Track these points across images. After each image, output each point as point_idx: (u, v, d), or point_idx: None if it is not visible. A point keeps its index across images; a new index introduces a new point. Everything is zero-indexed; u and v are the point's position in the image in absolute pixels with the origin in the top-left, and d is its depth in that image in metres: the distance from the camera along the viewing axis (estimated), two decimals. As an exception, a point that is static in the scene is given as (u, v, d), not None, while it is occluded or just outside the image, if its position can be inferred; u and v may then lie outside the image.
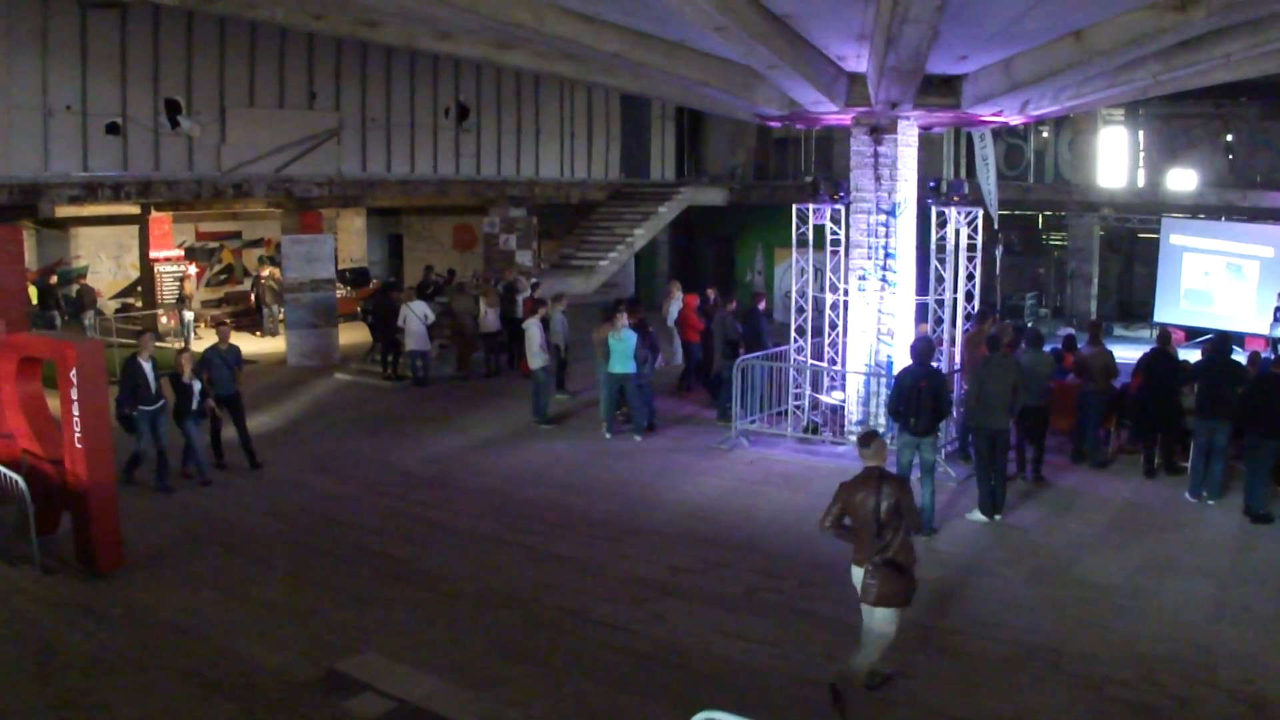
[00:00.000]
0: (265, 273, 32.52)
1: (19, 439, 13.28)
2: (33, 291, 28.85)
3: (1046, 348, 16.59)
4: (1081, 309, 31.72)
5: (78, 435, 12.06)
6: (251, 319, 32.73)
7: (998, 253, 27.19)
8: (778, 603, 11.52)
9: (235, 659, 9.67)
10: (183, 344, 26.68)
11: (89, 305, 29.08)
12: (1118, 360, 17.15)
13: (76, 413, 11.98)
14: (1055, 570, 12.40)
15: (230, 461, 17.13)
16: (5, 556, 11.85)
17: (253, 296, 33.38)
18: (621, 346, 18.44)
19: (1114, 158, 32.52)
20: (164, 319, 29.63)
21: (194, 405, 16.14)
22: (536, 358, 20.08)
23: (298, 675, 9.52)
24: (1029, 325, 21.54)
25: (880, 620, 8.89)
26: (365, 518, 14.59)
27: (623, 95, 33.60)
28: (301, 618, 11.11)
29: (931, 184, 18.20)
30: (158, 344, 27.48)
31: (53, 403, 13.15)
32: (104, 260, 35.06)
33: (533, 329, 20.28)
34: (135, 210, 30.28)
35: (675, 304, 23.89)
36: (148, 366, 15.53)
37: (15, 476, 12.37)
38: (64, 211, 26.71)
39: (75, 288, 30.71)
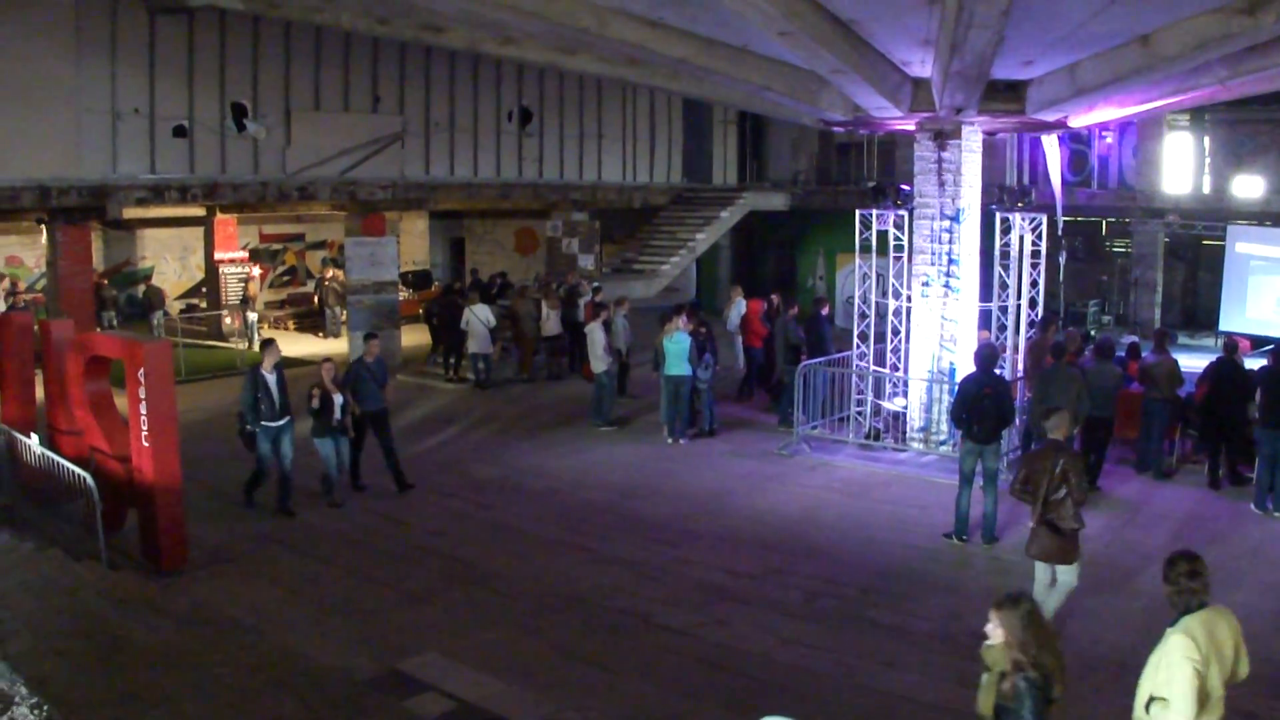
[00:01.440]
0: (329, 275, 32.77)
1: (87, 436, 13.47)
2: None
3: (1113, 355, 16.46)
4: (1145, 317, 31.32)
5: (144, 434, 12.20)
6: (314, 320, 33.01)
7: (1061, 259, 26.97)
8: (838, 609, 11.48)
9: (297, 656, 9.74)
10: (247, 345, 26.99)
11: (157, 306, 29.40)
12: (1182, 369, 16.96)
13: (144, 411, 12.12)
14: (1118, 580, 12.27)
15: (370, 483, 16.20)
16: (73, 552, 12.00)
17: (316, 298, 33.65)
18: (676, 349, 18.44)
19: (1179, 163, 32.06)
20: (228, 320, 29.93)
21: (334, 421, 15.16)
22: (600, 361, 20.14)
23: (359, 674, 9.58)
24: (1098, 334, 21.30)
25: (1064, 573, 10.58)
26: (427, 518, 14.67)
27: (685, 99, 33.59)
28: (363, 617, 11.20)
29: (1015, 189, 17.99)
30: (220, 344, 27.96)
31: (120, 401, 13.32)
32: (169, 261, 35.50)
33: (596, 332, 20.32)
34: (200, 212, 30.65)
35: (736, 309, 23.86)
36: (272, 379, 14.69)
37: (83, 473, 12.55)
38: (131, 213, 27.01)
39: (143, 288, 31.07)
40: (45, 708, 6.11)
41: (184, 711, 6.58)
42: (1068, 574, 10.64)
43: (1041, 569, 10.73)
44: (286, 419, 14.89)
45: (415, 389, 24.13)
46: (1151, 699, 6.53)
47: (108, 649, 8.36)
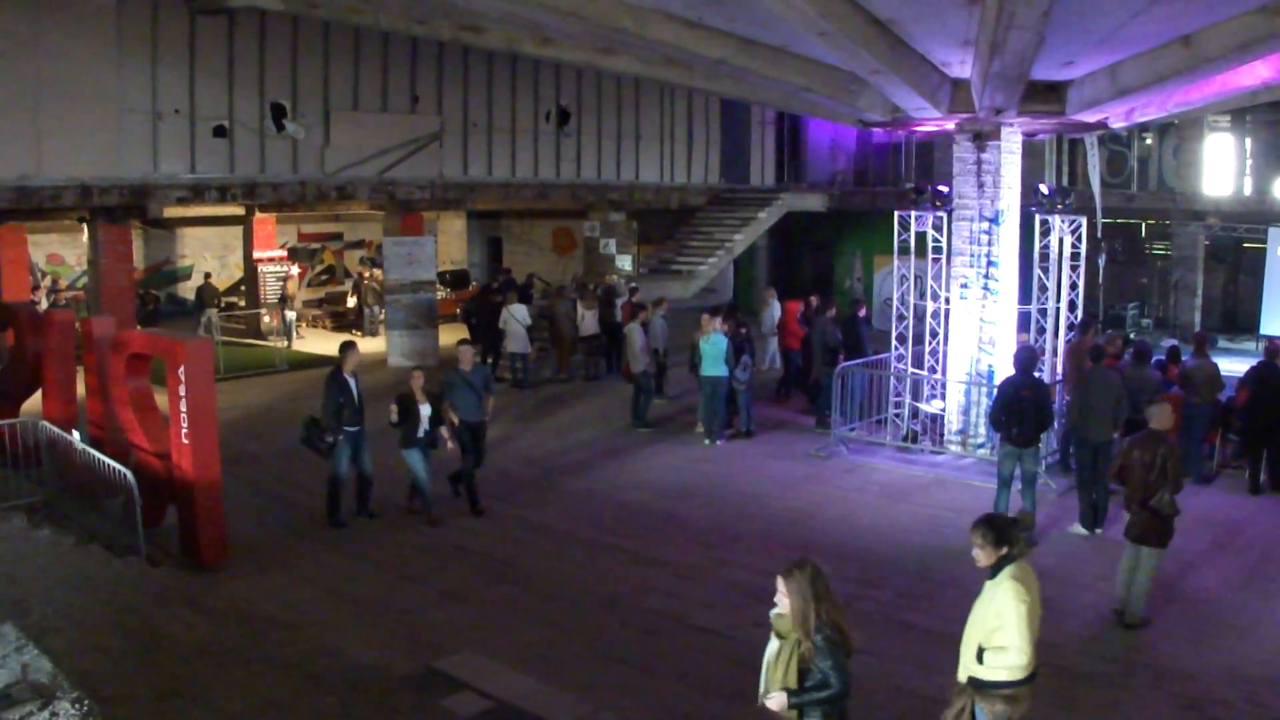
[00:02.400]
0: (368, 274, 32.93)
1: (128, 433, 13.56)
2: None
3: (1151, 360, 16.36)
4: (1185, 320, 31.11)
5: (185, 431, 12.29)
6: (349, 319, 33.22)
7: (1101, 262, 26.81)
8: (874, 612, 11.44)
9: (335, 654, 9.79)
10: (286, 343, 27.11)
11: (209, 303, 29.63)
12: (1223, 373, 16.84)
13: (184, 409, 12.21)
14: (1157, 586, 12.17)
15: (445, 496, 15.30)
16: (113, 548, 12.08)
17: (354, 297, 33.82)
18: (712, 350, 18.41)
19: (1220, 165, 31.80)
20: (266, 319, 30.09)
21: (421, 432, 14.30)
22: (638, 361, 20.16)
23: (396, 671, 9.62)
24: (1136, 338, 21.17)
25: (1151, 556, 11.00)
26: (465, 518, 14.68)
27: (723, 100, 33.57)
28: (400, 615, 11.24)
29: (1049, 191, 17.90)
30: (258, 342, 28.09)
31: (160, 399, 13.40)
32: (208, 260, 35.73)
33: (634, 333, 20.35)
34: (240, 211, 30.82)
35: (771, 311, 23.82)
36: (352, 382, 14.27)
37: (124, 469, 12.64)
38: (171, 212, 27.22)
39: (196, 285, 31.35)
40: (86, 702, 6.15)
41: (222, 707, 6.62)
42: (1153, 558, 11.04)
43: (1132, 550, 11.14)
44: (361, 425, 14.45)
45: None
46: (982, 649, 7.02)
47: (147, 644, 8.42)
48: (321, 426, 14.10)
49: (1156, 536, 10.99)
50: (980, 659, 6.98)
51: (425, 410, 14.25)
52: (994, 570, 7.11)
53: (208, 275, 32.23)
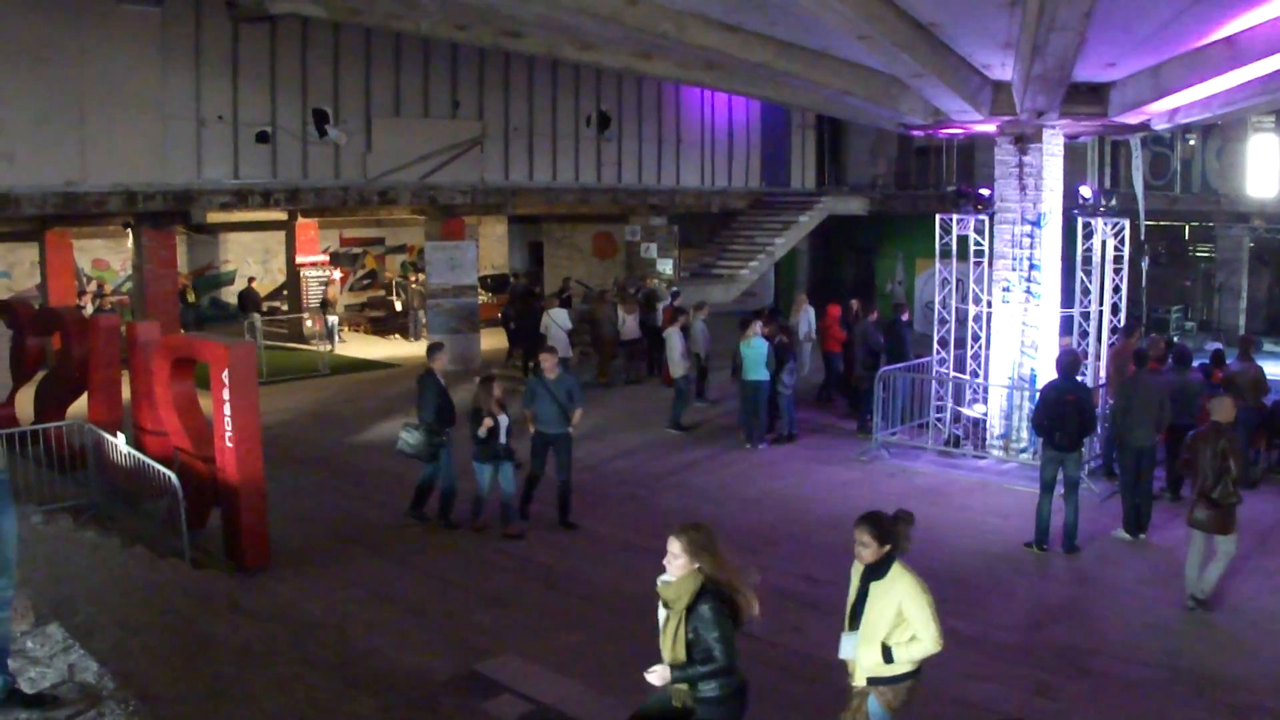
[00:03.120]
0: (414, 279, 33.15)
1: (172, 436, 13.67)
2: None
3: (1194, 363, 16.25)
4: (1229, 323, 30.86)
5: (229, 434, 12.36)
6: (389, 324, 33.47)
7: (1144, 264, 26.65)
8: (916, 617, 11.40)
9: (377, 657, 9.82)
10: (329, 348, 27.26)
11: (253, 307, 29.82)
12: (1268, 377, 16.71)
13: (228, 412, 12.27)
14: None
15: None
16: (157, 550, 12.15)
17: (397, 302, 34.03)
18: (753, 355, 18.39)
19: (1264, 166, 31.51)
20: (309, 323, 30.27)
21: (499, 445, 13.86)
22: (678, 366, 20.15)
23: (437, 675, 9.64)
24: (1177, 341, 21.03)
25: (1223, 542, 11.44)
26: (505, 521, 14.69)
27: (763, 103, 33.54)
28: (441, 619, 11.26)
29: (1092, 194, 17.81)
30: (301, 346, 28.22)
31: (205, 402, 13.49)
32: (251, 265, 35.96)
33: (674, 337, 20.35)
34: (282, 216, 31.02)
35: (805, 317, 23.80)
36: (443, 383, 14.12)
37: (168, 472, 12.74)
38: (214, 217, 27.41)
39: (240, 290, 31.59)
40: (132, 702, 6.21)
41: (265, 708, 6.67)
42: (1227, 543, 11.48)
43: (1199, 539, 11.52)
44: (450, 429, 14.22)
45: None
46: (887, 647, 7.01)
47: (191, 645, 8.47)
48: (425, 429, 13.97)
49: (1220, 524, 11.36)
50: (888, 657, 6.99)
51: (504, 421, 13.88)
52: (880, 569, 7.14)
53: (251, 280, 32.46)
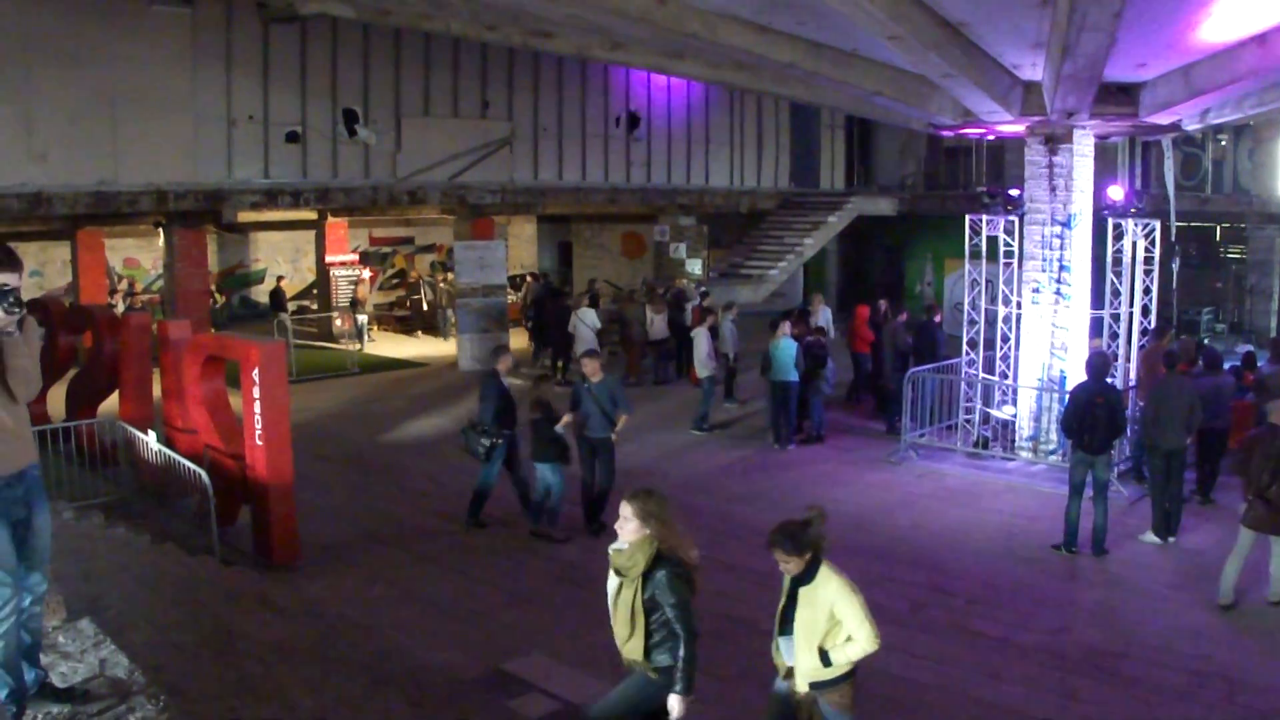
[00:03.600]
0: (442, 278, 33.27)
1: (202, 434, 13.73)
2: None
3: (1225, 365, 16.15)
4: (1261, 325, 30.61)
5: (258, 433, 12.41)
6: (418, 321, 33.59)
7: (1174, 266, 26.49)
8: (944, 620, 11.37)
9: (404, 655, 9.85)
10: (358, 347, 27.35)
11: (283, 306, 30.00)
12: (1301, 379, 16.60)
13: (258, 411, 12.33)
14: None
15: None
16: (187, 546, 12.20)
17: (425, 301, 34.15)
18: (781, 355, 18.36)
19: (1296, 167, 31.34)
20: (338, 322, 30.38)
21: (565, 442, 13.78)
22: (703, 366, 20.14)
23: (465, 673, 9.66)
24: (1207, 343, 20.90)
25: (1275, 543, 11.42)
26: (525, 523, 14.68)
27: (792, 104, 33.51)
28: (469, 617, 11.29)
29: (1125, 197, 17.71)
30: (330, 345, 28.33)
31: (235, 400, 13.56)
32: (281, 264, 36.13)
33: (700, 338, 20.35)
34: (312, 216, 31.14)
35: (823, 317, 23.77)
36: (507, 384, 14.10)
37: (198, 469, 12.81)
38: (244, 217, 27.55)
39: (272, 289, 31.78)
40: (162, 698, 6.24)
41: (295, 705, 6.70)
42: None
43: (1247, 540, 11.48)
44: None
45: (522, 392, 24.18)
46: (824, 651, 6.93)
47: (221, 642, 8.50)
48: (480, 430, 13.89)
49: (1273, 524, 11.31)
50: (826, 660, 6.93)
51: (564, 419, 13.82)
52: (807, 575, 7.09)
53: (280, 279, 32.62)
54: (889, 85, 17.19)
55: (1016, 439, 17.93)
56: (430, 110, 27.29)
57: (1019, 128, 17.58)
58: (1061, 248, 17.21)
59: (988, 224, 18.35)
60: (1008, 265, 18.20)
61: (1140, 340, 17.52)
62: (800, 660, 7.03)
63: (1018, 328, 18.07)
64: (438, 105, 27.45)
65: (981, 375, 18.77)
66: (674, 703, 6.54)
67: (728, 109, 33.76)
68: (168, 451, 13.80)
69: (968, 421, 18.72)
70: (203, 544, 12.47)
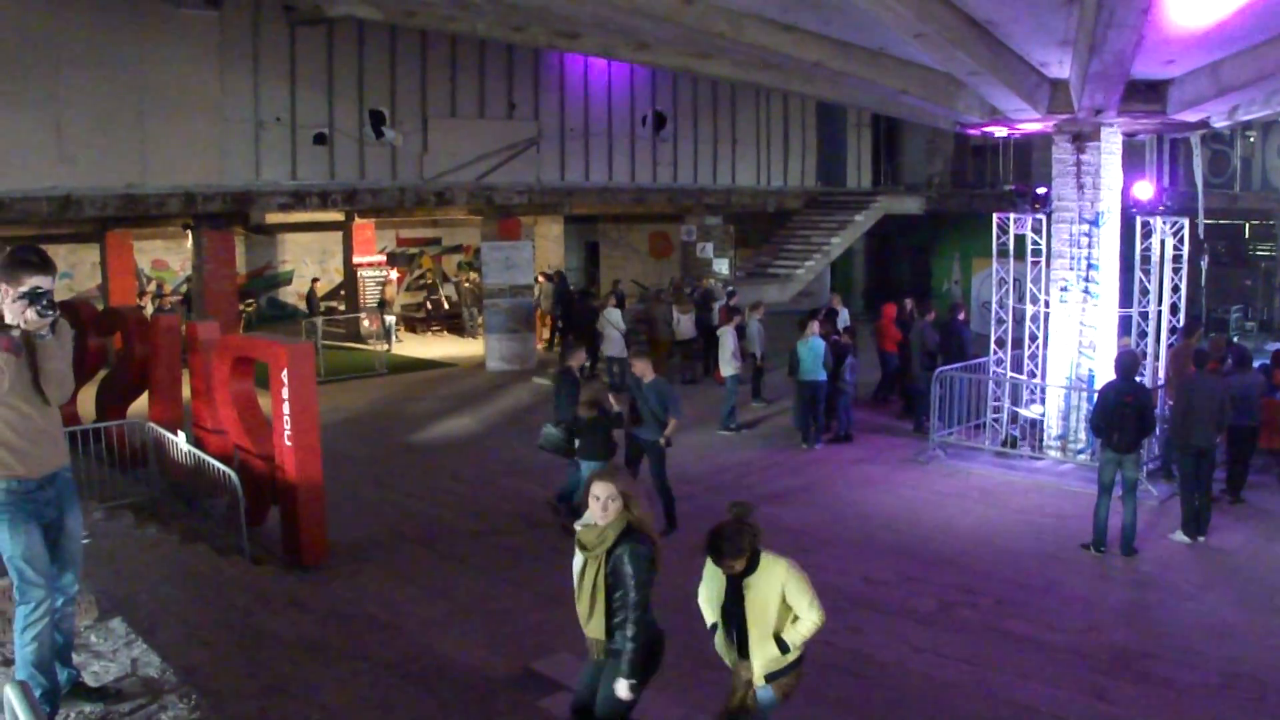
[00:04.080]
0: (466, 278, 33.46)
1: (231, 434, 13.80)
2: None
3: (1254, 363, 16.08)
4: (1290, 322, 30.54)
5: (288, 433, 12.47)
6: (449, 323, 33.72)
7: (1203, 264, 26.37)
8: (973, 619, 11.35)
9: (433, 654, 9.87)
10: (386, 347, 27.45)
11: (317, 308, 30.21)
12: (1331, 377, 16.52)
13: (287, 411, 12.39)
14: (1261, 597, 11.95)
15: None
16: (216, 546, 12.28)
17: (445, 300, 34.34)
18: (810, 354, 18.33)
19: (1327, 164, 31.18)
20: (366, 322, 30.48)
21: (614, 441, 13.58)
22: (728, 365, 20.12)
23: (494, 672, 9.69)
24: (1237, 341, 20.80)
25: None
26: (562, 519, 14.71)
27: (818, 102, 33.47)
28: (498, 616, 11.31)
29: (1155, 196, 17.63)
30: (358, 346, 28.41)
31: (264, 401, 13.62)
32: (308, 265, 36.24)
33: (726, 337, 20.35)
34: (339, 217, 31.26)
35: (842, 318, 23.73)
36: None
37: (228, 470, 12.89)
38: (272, 218, 27.68)
39: (308, 289, 32.05)
40: (194, 696, 6.29)
41: (325, 704, 6.74)
42: None
43: None
44: None
45: (549, 391, 24.25)
46: (780, 638, 6.87)
47: (251, 641, 8.56)
48: (564, 426, 13.65)
49: None
50: (784, 647, 6.89)
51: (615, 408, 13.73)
52: (749, 567, 7.02)
53: (315, 281, 32.84)
54: (916, 84, 17.17)
55: (1045, 438, 17.87)
56: (457, 111, 27.37)
57: (1046, 125, 17.52)
58: (1089, 246, 17.14)
59: (1015, 222, 18.29)
60: (1035, 264, 18.13)
61: (1169, 339, 17.45)
62: (757, 653, 6.97)
63: (1045, 326, 18.01)
64: (464, 106, 27.52)
65: (1009, 374, 18.71)
66: (620, 687, 6.57)
67: (754, 108, 33.74)
68: (197, 452, 13.87)
69: (996, 420, 18.67)
70: (232, 544, 12.54)
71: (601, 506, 6.50)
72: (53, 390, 5.77)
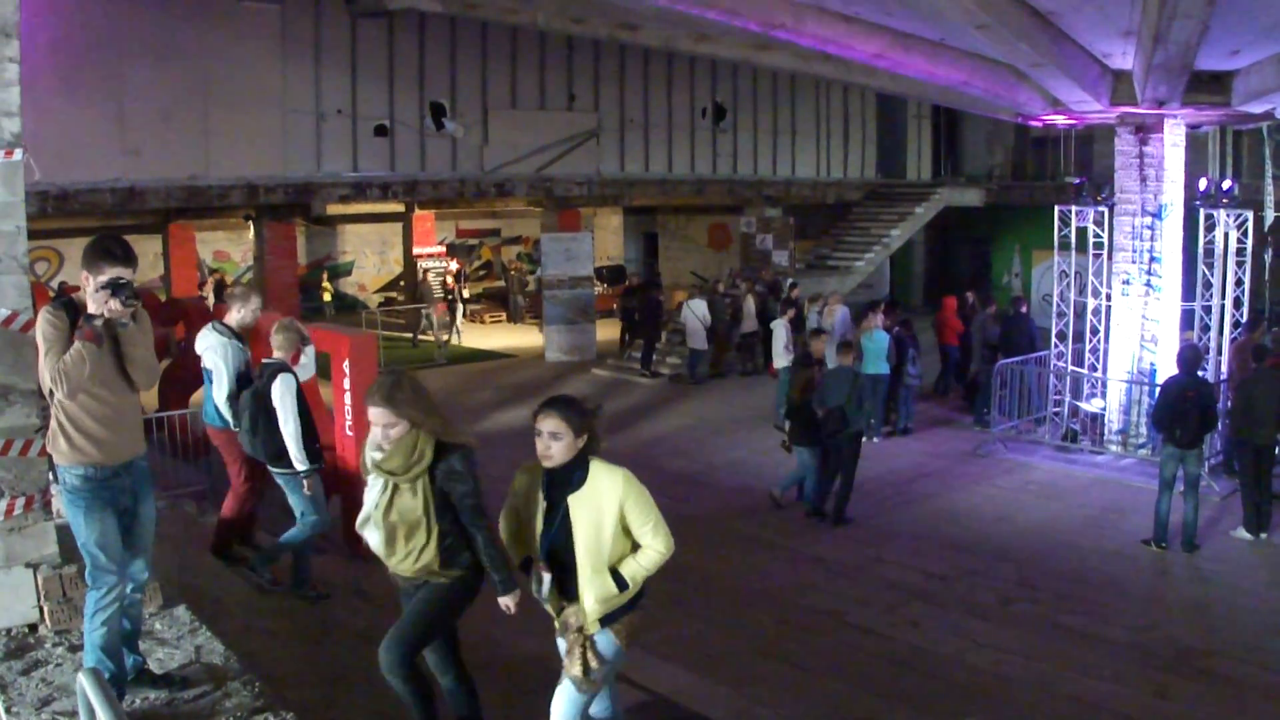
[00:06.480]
0: (514, 267, 34.23)
1: (293, 425, 13.89)
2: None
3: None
4: (1357, 317, 30.01)
5: (348, 423, 12.55)
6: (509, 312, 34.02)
7: (1268, 257, 26.02)
8: (1032, 614, 11.28)
9: (495, 644, 9.92)
10: (447, 339, 27.58)
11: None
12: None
13: (348, 402, 12.47)
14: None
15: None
16: (277, 534, 12.38)
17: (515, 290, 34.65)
18: (874, 347, 18.24)
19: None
20: (430, 313, 30.62)
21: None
22: (780, 358, 20.04)
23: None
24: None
25: None
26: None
27: (878, 94, 33.33)
28: (557, 607, 11.34)
29: (1215, 184, 17.44)
30: (421, 337, 28.56)
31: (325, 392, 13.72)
32: (368, 256, 36.47)
33: (779, 329, 20.28)
34: (400, 208, 31.45)
35: (839, 319, 23.56)
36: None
37: (289, 459, 12.99)
38: (333, 209, 27.87)
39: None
40: (256, 684, 6.36)
41: (386, 692, 6.79)
42: None
43: None
44: None
45: (610, 383, 24.33)
46: (616, 571, 5.58)
47: (313, 629, 8.65)
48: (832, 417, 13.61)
49: None
50: (622, 583, 5.60)
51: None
52: (573, 472, 5.47)
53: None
54: (978, 75, 17.07)
55: (1106, 432, 17.75)
56: (517, 103, 27.46)
57: (1109, 117, 17.37)
58: (1152, 239, 16.99)
59: (1077, 215, 18.13)
60: (1097, 257, 17.98)
61: (1232, 333, 17.27)
62: (588, 590, 5.59)
63: (1107, 320, 17.87)
64: (524, 98, 27.60)
65: (1070, 368, 18.57)
66: (507, 601, 6.19)
67: (814, 99, 33.64)
68: (258, 442, 13.98)
69: (1056, 414, 18.55)
70: (293, 533, 12.64)
71: (383, 433, 5.63)
72: (140, 376, 5.91)
